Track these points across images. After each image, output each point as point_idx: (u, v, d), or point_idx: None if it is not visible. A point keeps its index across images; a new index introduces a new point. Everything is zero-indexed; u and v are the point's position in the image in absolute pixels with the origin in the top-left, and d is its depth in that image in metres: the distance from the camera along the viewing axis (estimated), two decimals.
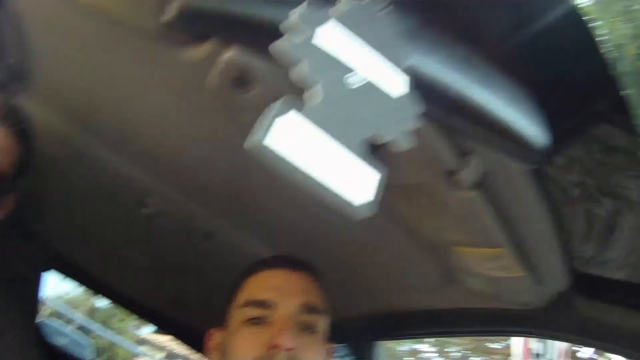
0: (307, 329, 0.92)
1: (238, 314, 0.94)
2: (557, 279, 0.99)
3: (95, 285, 2.05)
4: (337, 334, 1.00)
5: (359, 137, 0.50)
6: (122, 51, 0.77)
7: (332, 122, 0.49)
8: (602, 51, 0.66)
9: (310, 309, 0.93)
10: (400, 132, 0.53)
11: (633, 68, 6.64)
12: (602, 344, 1.00)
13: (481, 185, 0.81)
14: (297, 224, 1.07)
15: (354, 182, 0.48)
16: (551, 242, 0.92)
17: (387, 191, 0.91)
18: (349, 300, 1.33)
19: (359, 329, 1.51)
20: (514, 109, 0.68)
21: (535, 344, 3.71)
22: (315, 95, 0.48)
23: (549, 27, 0.64)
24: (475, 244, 0.97)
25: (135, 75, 0.84)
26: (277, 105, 0.47)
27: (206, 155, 0.89)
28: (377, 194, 0.49)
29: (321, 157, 0.47)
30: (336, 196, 0.47)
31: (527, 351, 3.66)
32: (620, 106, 0.70)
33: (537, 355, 3.74)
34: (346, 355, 1.72)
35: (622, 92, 0.69)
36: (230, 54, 0.63)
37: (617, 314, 0.94)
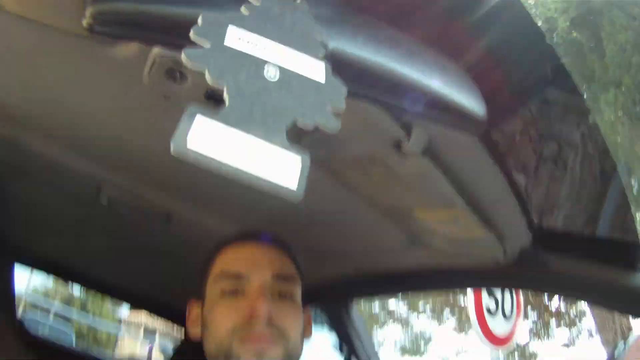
0: (282, 297, 0.90)
1: (213, 287, 0.92)
2: (519, 236, 0.99)
3: (64, 274, 2.02)
4: (311, 299, 0.99)
5: (279, 128, 0.49)
6: (56, 53, 0.75)
7: (248, 118, 0.48)
8: (536, 26, 0.67)
9: (282, 277, 0.91)
10: (325, 115, 0.52)
11: (564, 39, 6.84)
12: (567, 293, 1.00)
13: (429, 152, 0.81)
14: (255, 199, 1.04)
15: (279, 170, 0.47)
16: (508, 201, 0.91)
17: (341, 164, 0.90)
18: (319, 267, 1.32)
19: (331, 292, 1.51)
20: (449, 85, 0.67)
21: (487, 299, 3.77)
22: (227, 96, 0.48)
23: (485, 7, 0.64)
24: (431, 207, 0.97)
25: (73, 75, 0.81)
26: (187, 111, 0.46)
27: (154, 143, 0.86)
28: (303, 179, 0.48)
29: (242, 152, 0.46)
30: (269, 184, 0.47)
31: (480, 307, 3.71)
32: (558, 71, 0.71)
33: (489, 310, 3.80)
34: (320, 317, 1.70)
35: (557, 61, 0.71)
36: (159, 49, 0.62)
37: (578, 265, 0.95)
